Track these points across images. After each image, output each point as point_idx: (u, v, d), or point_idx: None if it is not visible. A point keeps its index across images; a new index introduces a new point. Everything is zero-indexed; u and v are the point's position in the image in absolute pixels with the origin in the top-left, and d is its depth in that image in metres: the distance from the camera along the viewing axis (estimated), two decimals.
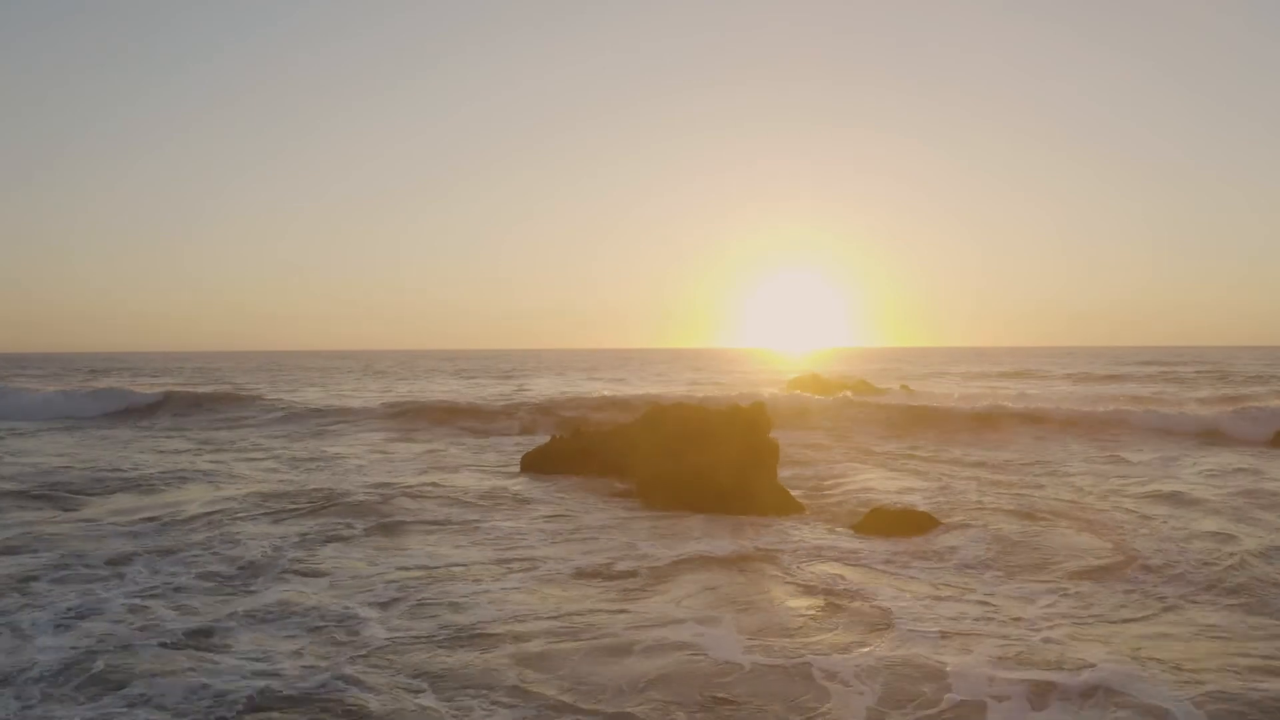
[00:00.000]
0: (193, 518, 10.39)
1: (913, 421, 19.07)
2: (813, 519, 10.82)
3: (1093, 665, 5.50)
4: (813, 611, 6.82)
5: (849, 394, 20.35)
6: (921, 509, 10.76)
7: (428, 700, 5.10)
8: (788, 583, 7.68)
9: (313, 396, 35.22)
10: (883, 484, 13.34)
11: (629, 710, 4.93)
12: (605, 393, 23.32)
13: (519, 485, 13.35)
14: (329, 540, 9.30)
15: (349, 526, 9.99)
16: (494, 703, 5.07)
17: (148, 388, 29.74)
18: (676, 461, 12.33)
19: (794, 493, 12.21)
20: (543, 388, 40.18)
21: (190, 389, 33.17)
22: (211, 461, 15.90)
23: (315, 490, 12.35)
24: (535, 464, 14.33)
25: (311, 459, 16.40)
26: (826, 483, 13.46)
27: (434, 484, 13.26)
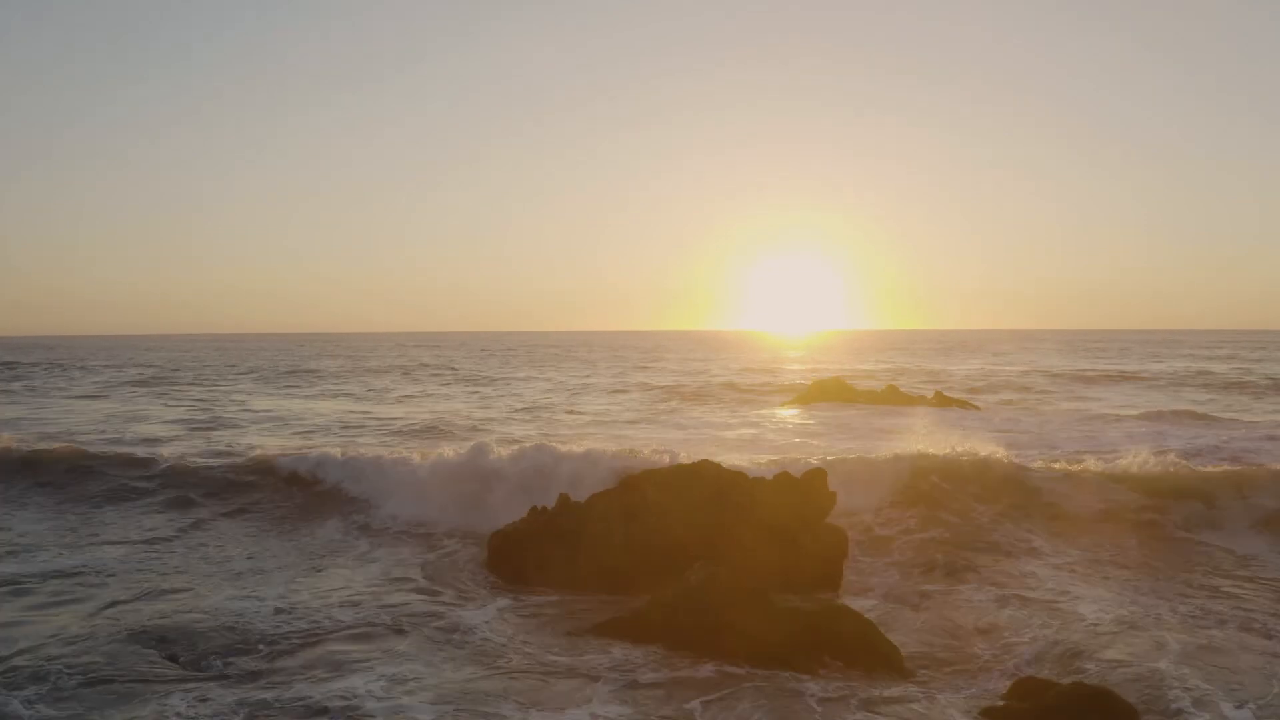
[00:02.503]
0: None
1: (1024, 489, 13.76)
2: (914, 682, 6.86)
3: None
4: None
5: (884, 440, 16.10)
6: (1109, 683, 6.77)
7: None
8: None
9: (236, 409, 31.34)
10: (1018, 602, 9.29)
11: None
12: (607, 448, 18.54)
13: (466, 615, 9.38)
14: None
15: None
16: None
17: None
18: (701, 574, 8.34)
19: (863, 605, 8.30)
20: (528, 393, 36.07)
21: None
22: None
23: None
24: (503, 560, 10.35)
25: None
26: (921, 605, 9.41)
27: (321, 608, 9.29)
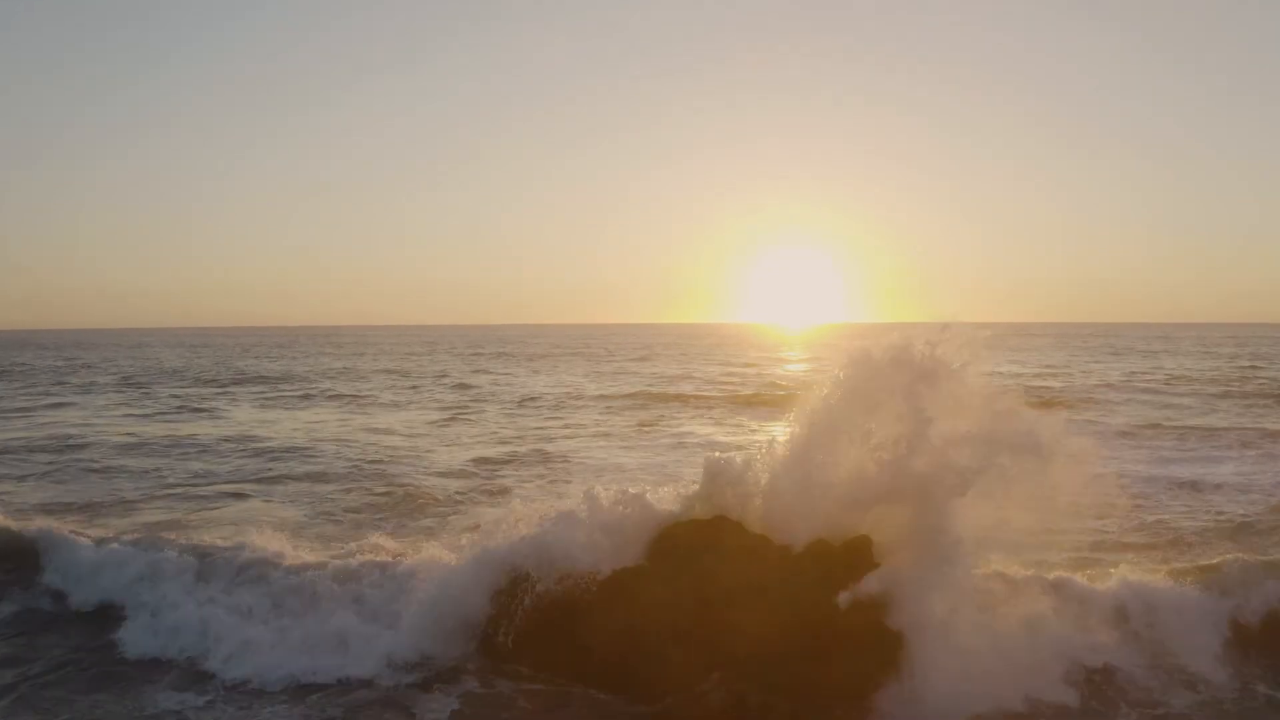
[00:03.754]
0: None
1: None
2: None
3: None
4: None
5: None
6: None
7: None
8: None
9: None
10: None
11: None
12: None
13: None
14: None
15: None
16: None
17: None
18: (722, 692, 6.63)
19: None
20: (506, 402, 34.26)
21: None
22: None
23: None
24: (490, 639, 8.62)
25: None
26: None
27: None
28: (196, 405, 30.53)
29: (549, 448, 20.08)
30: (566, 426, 24.13)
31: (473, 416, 26.92)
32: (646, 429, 23.61)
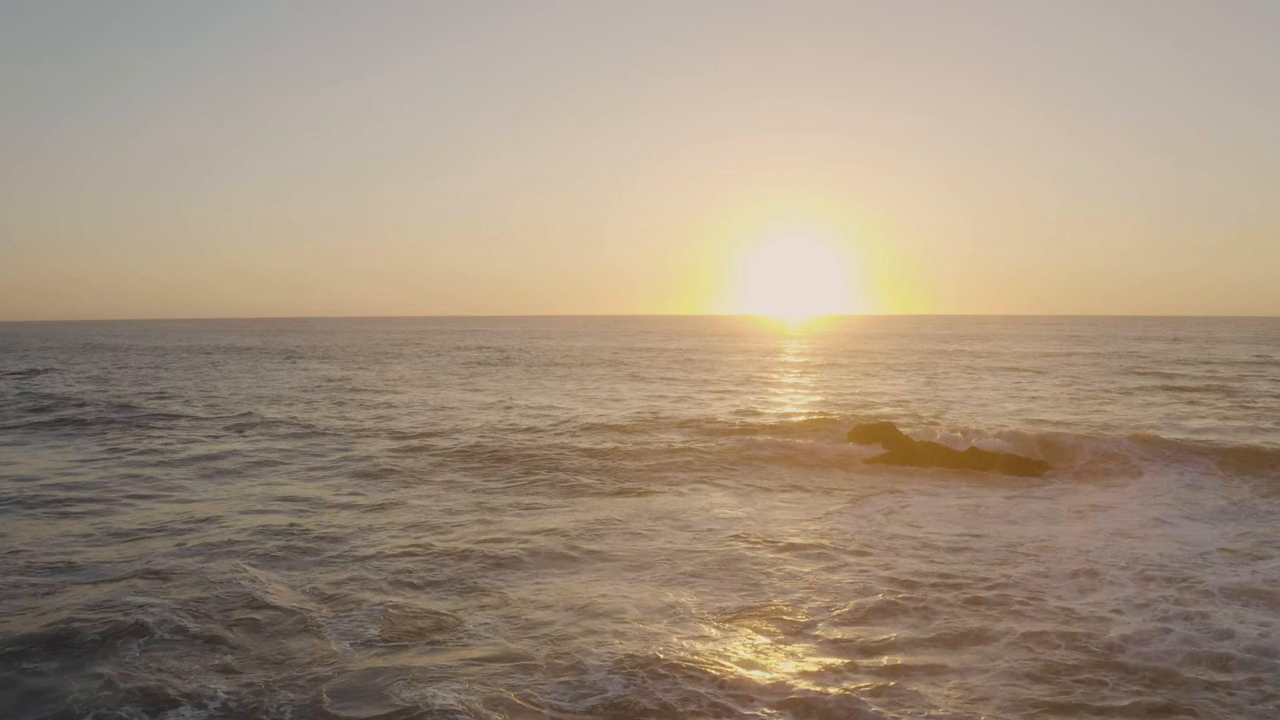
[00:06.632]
0: None
1: None
2: None
3: None
4: None
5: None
6: None
7: None
8: None
9: None
10: None
11: None
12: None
13: None
14: None
15: None
16: None
17: None
18: None
19: None
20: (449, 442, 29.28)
21: None
22: None
23: None
24: None
25: None
26: None
27: None
28: None
29: (480, 583, 12.73)
30: (527, 502, 18.88)
31: (402, 494, 21.84)
32: (625, 493, 18.71)
